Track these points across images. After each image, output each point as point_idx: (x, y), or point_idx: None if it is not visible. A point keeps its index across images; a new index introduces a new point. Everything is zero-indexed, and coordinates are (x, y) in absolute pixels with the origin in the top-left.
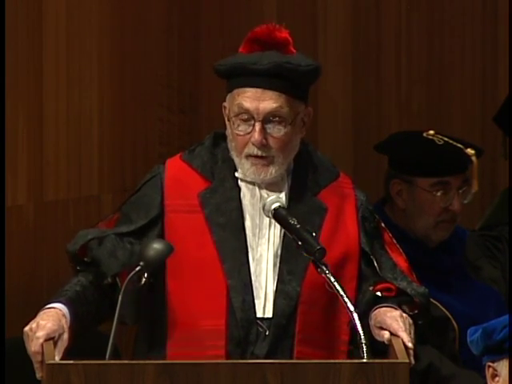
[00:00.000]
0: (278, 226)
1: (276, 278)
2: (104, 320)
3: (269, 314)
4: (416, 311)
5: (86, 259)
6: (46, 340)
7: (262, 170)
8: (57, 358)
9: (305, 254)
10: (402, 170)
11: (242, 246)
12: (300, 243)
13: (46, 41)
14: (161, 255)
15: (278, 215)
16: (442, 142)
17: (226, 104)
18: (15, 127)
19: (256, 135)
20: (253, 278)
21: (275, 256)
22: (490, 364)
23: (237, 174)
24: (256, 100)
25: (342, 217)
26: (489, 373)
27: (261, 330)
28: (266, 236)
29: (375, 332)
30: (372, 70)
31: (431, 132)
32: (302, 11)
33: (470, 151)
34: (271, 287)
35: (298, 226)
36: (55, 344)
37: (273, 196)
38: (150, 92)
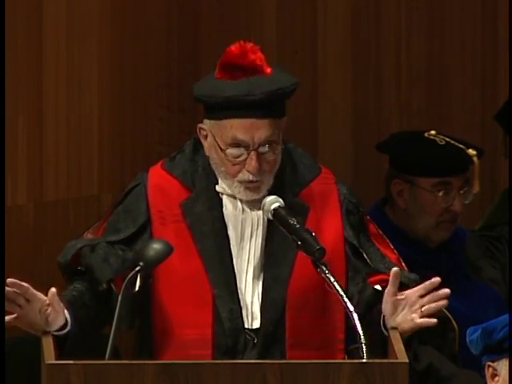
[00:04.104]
0: (259, 237)
1: (260, 287)
2: (103, 325)
3: (256, 323)
4: None
5: (79, 268)
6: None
7: (255, 191)
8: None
9: (305, 254)
10: (403, 169)
11: (226, 255)
12: (300, 243)
13: (46, 41)
14: (161, 255)
15: (277, 215)
16: (443, 143)
17: (204, 126)
18: (15, 127)
19: (253, 163)
20: (238, 288)
21: (257, 267)
22: (490, 364)
23: (218, 188)
24: (250, 130)
25: (325, 214)
26: (488, 372)
27: (249, 338)
28: (247, 247)
29: (385, 299)
30: (372, 70)
31: (433, 132)
32: (302, 11)
33: (471, 152)
34: (257, 297)
35: (298, 225)
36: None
37: (272, 196)
38: (150, 92)
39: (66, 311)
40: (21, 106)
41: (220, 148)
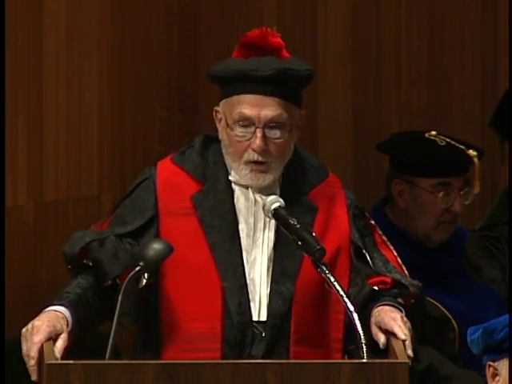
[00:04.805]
0: (272, 230)
1: (270, 279)
2: (103, 322)
3: (264, 316)
4: (412, 301)
5: (85, 261)
6: (44, 342)
7: (260, 176)
8: (57, 356)
9: (305, 254)
10: (403, 170)
11: (236, 249)
12: (300, 243)
13: (46, 41)
14: (161, 255)
15: (277, 215)
16: (444, 143)
17: (219, 109)
18: (15, 127)
19: (258, 141)
20: (248, 281)
21: (269, 259)
22: (491, 363)
23: (230, 178)
24: (257, 107)
25: (332, 216)
26: (489, 372)
27: (257, 331)
28: (261, 239)
29: (373, 331)
30: (372, 70)
31: (433, 132)
32: (302, 11)
33: (472, 152)
34: (265, 290)
35: (298, 226)
36: (54, 342)
37: (272, 196)
38: (150, 92)
39: (67, 313)
40: (21, 106)
41: (229, 126)
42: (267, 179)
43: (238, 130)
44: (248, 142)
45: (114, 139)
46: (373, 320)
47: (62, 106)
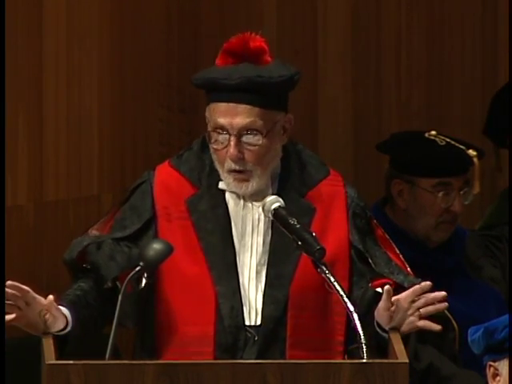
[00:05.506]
0: (261, 234)
1: (262, 284)
2: (106, 325)
3: (257, 320)
4: None
5: (84, 265)
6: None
7: (243, 184)
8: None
9: (305, 254)
10: (403, 170)
11: (229, 253)
12: (300, 243)
13: (46, 41)
14: (161, 255)
15: (277, 215)
16: (444, 143)
17: (207, 115)
18: (15, 127)
19: (231, 150)
20: (241, 284)
21: (259, 264)
22: (491, 363)
23: (220, 185)
24: (229, 115)
25: (331, 216)
26: (490, 372)
27: (249, 335)
28: (249, 243)
29: (379, 313)
30: (372, 70)
31: (433, 132)
32: (302, 11)
33: (471, 152)
34: (256, 294)
35: (298, 226)
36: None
37: (272, 196)
38: (150, 92)
39: (66, 312)
40: (21, 105)
41: (209, 133)
42: (250, 187)
43: (217, 138)
44: (226, 150)
45: (114, 139)
46: (378, 305)
47: (62, 106)
